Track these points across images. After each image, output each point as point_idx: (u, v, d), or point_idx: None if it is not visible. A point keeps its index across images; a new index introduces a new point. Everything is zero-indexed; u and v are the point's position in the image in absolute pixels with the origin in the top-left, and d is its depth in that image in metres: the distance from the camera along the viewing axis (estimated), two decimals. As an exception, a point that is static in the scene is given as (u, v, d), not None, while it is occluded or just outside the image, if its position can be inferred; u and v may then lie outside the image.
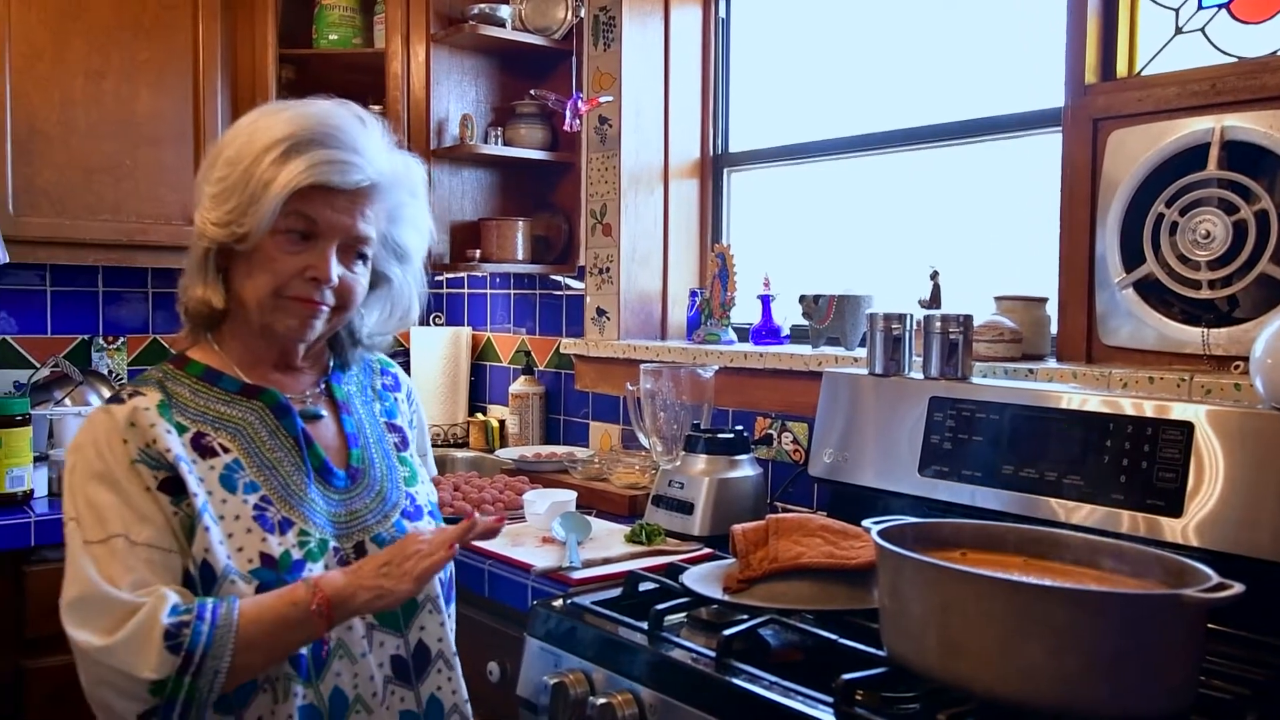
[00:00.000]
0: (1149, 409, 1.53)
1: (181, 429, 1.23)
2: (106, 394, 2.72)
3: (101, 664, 1.11)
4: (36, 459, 2.32)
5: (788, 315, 2.45)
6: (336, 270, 1.26)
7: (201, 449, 1.24)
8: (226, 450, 1.25)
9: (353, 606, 1.19)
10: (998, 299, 2.00)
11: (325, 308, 1.27)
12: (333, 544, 1.27)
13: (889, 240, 2.41)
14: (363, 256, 1.30)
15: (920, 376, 1.85)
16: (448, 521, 1.42)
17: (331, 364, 1.41)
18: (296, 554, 1.23)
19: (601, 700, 1.34)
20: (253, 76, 2.74)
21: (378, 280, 1.37)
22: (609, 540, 1.94)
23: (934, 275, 2.05)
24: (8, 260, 2.33)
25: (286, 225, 1.23)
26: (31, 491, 2.25)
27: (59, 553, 2.12)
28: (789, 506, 2.17)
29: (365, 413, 1.41)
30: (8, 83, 2.41)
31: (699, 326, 2.56)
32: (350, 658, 1.25)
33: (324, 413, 1.36)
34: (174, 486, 1.20)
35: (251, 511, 1.23)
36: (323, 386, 1.39)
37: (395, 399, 1.48)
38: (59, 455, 2.34)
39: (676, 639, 1.39)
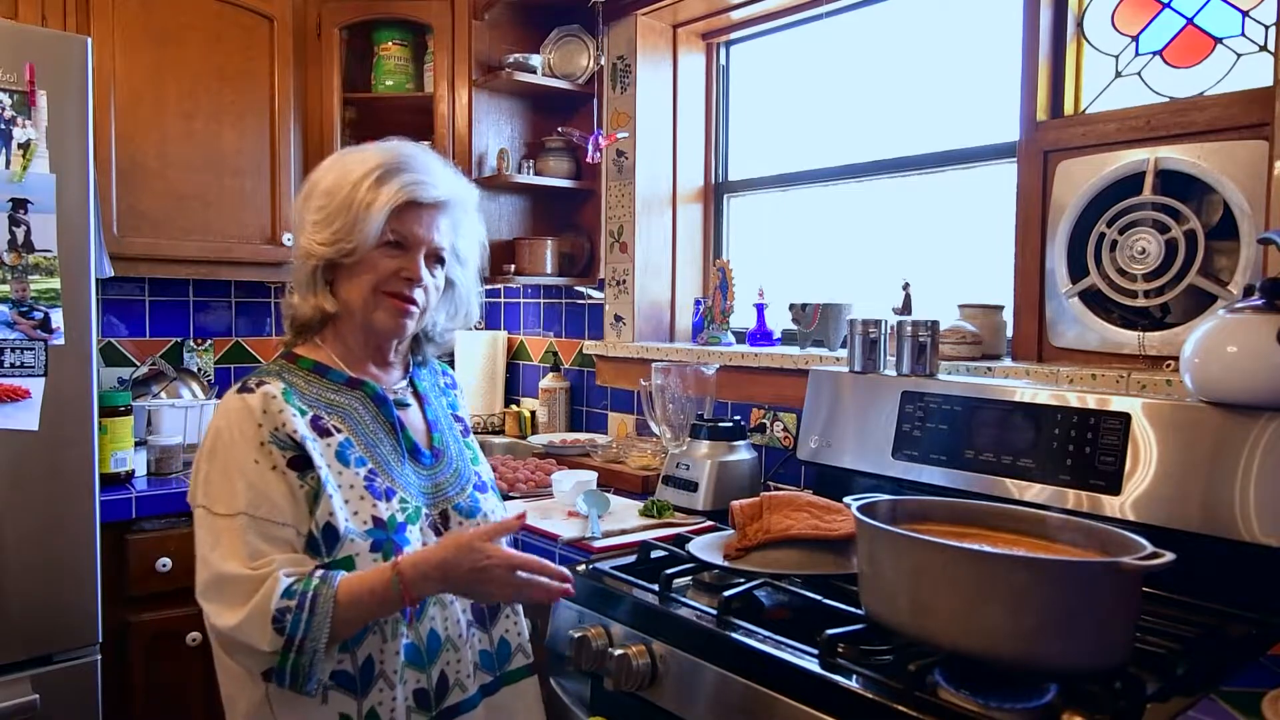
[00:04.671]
0: (1092, 402, 1.52)
1: (302, 412, 1.25)
2: (196, 389, 2.75)
3: (233, 638, 1.15)
4: (136, 444, 2.34)
5: (779, 321, 2.44)
6: (424, 273, 1.30)
7: (319, 429, 1.25)
8: (339, 430, 1.27)
9: (429, 590, 1.18)
10: (961, 307, 1.99)
11: (416, 307, 1.31)
12: (425, 510, 1.31)
13: (867, 256, 2.39)
14: (441, 261, 1.34)
15: (893, 374, 1.84)
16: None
17: (412, 363, 1.44)
18: (400, 517, 1.26)
19: (619, 651, 1.34)
20: (320, 117, 2.75)
21: (446, 283, 1.39)
22: (625, 514, 1.95)
23: (906, 286, 2.05)
24: (113, 274, 2.34)
25: (384, 239, 1.27)
26: (132, 471, 2.25)
27: (155, 524, 2.18)
28: (780, 485, 2.17)
29: (438, 404, 1.44)
30: (113, 124, 2.42)
31: (703, 330, 2.55)
32: (441, 604, 1.29)
33: (411, 402, 1.39)
34: (301, 463, 1.21)
35: (363, 482, 1.25)
36: (407, 381, 1.41)
37: (455, 395, 1.52)
38: (155, 440, 2.35)
39: (683, 599, 1.39)
